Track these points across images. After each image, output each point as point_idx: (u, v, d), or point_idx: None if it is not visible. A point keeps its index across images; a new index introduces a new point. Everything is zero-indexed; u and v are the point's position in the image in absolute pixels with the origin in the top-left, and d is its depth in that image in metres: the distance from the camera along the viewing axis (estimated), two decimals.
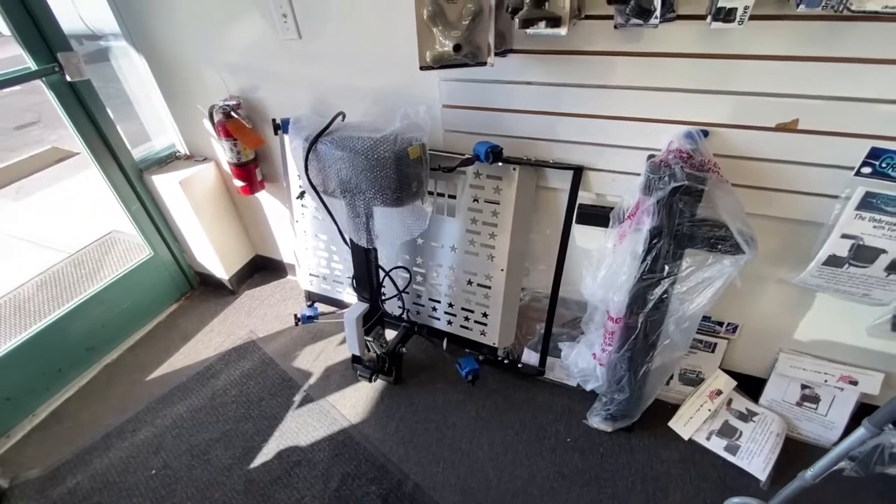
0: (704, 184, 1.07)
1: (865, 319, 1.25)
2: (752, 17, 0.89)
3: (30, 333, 1.69)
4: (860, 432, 0.92)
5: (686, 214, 1.10)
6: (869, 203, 1.00)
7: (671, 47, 1.03)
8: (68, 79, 1.57)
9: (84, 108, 1.66)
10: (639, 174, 1.14)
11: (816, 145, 1.04)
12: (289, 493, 1.41)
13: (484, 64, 1.05)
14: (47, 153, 4.13)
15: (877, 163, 0.99)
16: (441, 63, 1.03)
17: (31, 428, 1.65)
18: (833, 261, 1.09)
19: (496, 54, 1.06)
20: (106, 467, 1.50)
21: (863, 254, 1.05)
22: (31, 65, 1.52)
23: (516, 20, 0.95)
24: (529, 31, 0.97)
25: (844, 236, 1.05)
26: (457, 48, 0.99)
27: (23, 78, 1.50)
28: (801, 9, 0.84)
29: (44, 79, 1.55)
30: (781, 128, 1.05)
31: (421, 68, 1.05)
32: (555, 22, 0.95)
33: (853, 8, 0.82)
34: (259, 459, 1.50)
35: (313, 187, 1.30)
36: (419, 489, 1.40)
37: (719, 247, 1.11)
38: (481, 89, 1.29)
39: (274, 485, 1.43)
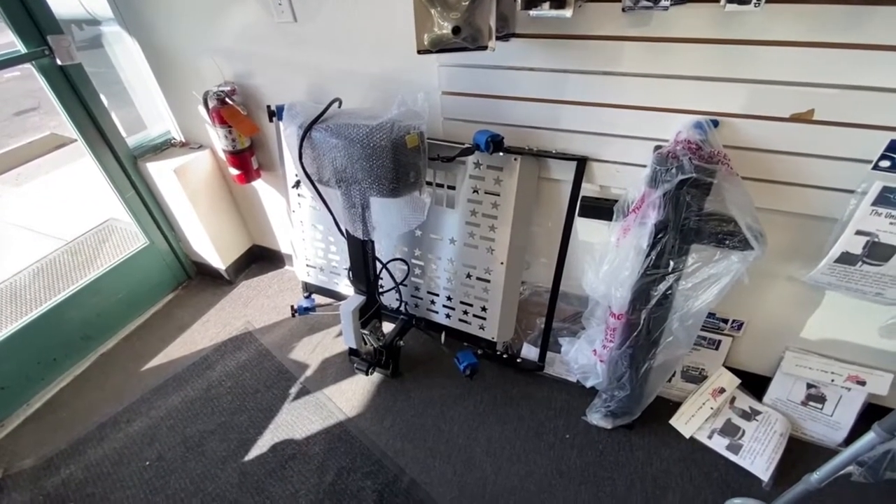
0: (713, 176, 1.02)
1: (877, 319, 1.22)
2: (770, 0, 0.84)
3: (25, 321, 1.67)
4: (870, 437, 0.88)
5: (693, 208, 1.05)
6: (886, 198, 0.96)
7: (682, 32, 0.98)
8: (59, 63, 1.53)
9: (76, 92, 1.62)
10: (645, 166, 1.10)
11: (832, 137, 0.99)
12: (283, 486, 1.39)
13: (485, 48, 1.00)
14: (46, 139, 4.10)
15: None
16: (439, 47, 0.98)
17: (25, 417, 1.64)
18: (846, 258, 1.04)
19: (498, 38, 1.01)
20: (100, 458, 1.49)
21: (877, 251, 1.01)
22: (21, 48, 1.48)
23: (519, 0, 0.90)
24: (533, 12, 0.92)
25: (859, 233, 1.01)
26: (456, 30, 0.94)
27: (12, 61, 1.47)
28: None
29: (34, 62, 1.51)
30: (796, 118, 1.00)
31: (419, 52, 1.00)
32: (559, 3, 0.90)
33: None
34: (254, 452, 1.48)
35: (308, 176, 1.27)
36: (415, 484, 1.38)
37: (727, 242, 1.07)
38: (482, 75, 1.24)
39: (268, 478, 1.41)
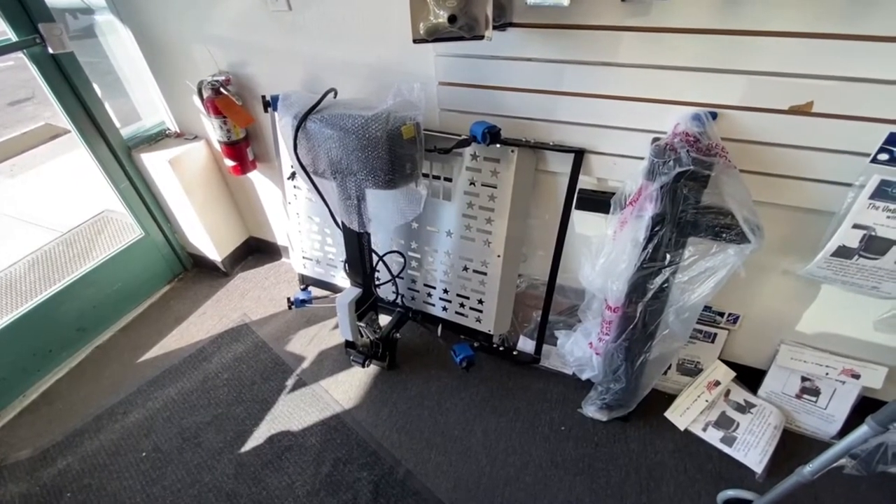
0: (711, 169, 1.02)
1: (872, 312, 1.22)
2: None
3: (20, 313, 1.66)
4: (863, 430, 0.89)
5: (690, 201, 1.05)
6: (884, 192, 0.95)
7: (682, 22, 0.97)
8: (50, 51, 1.51)
9: (68, 82, 1.60)
10: (642, 158, 1.10)
11: (831, 130, 0.98)
12: (280, 477, 1.40)
13: (481, 38, 0.98)
14: (41, 130, 4.07)
15: (895, 149, 0.94)
16: (435, 36, 0.97)
17: (21, 409, 1.64)
18: (842, 252, 1.04)
19: (494, 27, 1.00)
20: (96, 449, 1.49)
21: (874, 245, 1.01)
22: (12, 36, 1.46)
23: None
24: (530, 0, 0.91)
25: (856, 226, 1.00)
26: (452, 19, 0.93)
27: (2, 49, 1.44)
28: None
29: (25, 51, 1.49)
30: (795, 110, 0.99)
31: (414, 41, 0.99)
32: None
33: None
34: (250, 443, 1.49)
35: (303, 168, 1.26)
36: (411, 475, 1.39)
37: (724, 235, 1.06)
38: (479, 65, 1.22)
39: (265, 469, 1.42)
